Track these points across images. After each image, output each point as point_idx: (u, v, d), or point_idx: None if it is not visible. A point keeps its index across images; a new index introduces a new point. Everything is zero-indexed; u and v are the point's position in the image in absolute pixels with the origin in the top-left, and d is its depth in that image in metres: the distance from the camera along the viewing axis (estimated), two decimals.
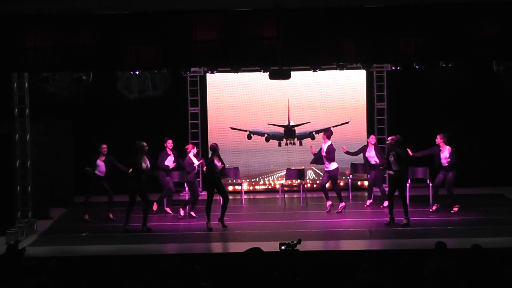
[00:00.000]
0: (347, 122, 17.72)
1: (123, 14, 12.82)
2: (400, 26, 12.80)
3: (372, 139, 15.79)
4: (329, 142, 15.16)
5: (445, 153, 14.85)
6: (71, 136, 17.02)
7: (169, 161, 15.25)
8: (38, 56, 12.79)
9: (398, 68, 16.36)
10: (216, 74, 16.79)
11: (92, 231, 14.18)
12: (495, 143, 17.72)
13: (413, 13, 12.76)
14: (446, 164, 14.77)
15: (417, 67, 14.90)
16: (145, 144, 14.04)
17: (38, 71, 13.59)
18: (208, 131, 17.84)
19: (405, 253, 11.50)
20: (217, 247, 13.12)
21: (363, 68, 16.84)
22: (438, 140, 14.95)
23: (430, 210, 15.01)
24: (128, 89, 17.94)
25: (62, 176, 16.53)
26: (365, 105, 17.88)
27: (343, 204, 15.11)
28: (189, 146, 14.96)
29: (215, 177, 14.05)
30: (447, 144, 14.89)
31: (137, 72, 15.00)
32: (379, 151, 15.67)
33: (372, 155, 15.67)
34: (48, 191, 15.63)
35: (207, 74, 17.43)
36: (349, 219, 14.58)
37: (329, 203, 15.21)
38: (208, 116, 17.96)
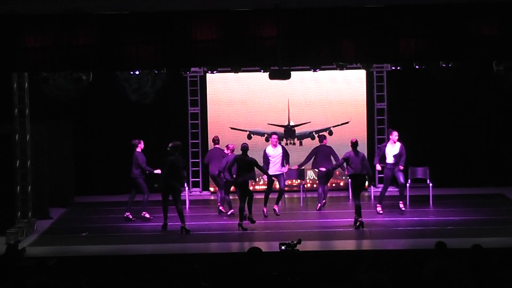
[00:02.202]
0: (347, 122, 17.72)
1: (123, 14, 12.81)
2: (400, 26, 12.79)
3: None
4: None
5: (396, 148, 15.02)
6: (71, 136, 17.01)
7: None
8: (38, 56, 12.77)
9: (398, 68, 16.37)
10: (216, 74, 16.81)
11: (92, 231, 14.18)
12: (495, 143, 17.72)
13: (413, 13, 12.75)
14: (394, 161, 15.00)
15: (417, 67, 14.91)
16: (179, 143, 14.20)
17: (38, 71, 13.58)
18: (208, 131, 17.84)
19: (405, 253, 11.52)
20: (217, 247, 13.11)
21: (363, 68, 16.83)
22: (395, 136, 15.01)
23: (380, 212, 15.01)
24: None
25: (62, 176, 16.53)
26: (365, 105, 17.88)
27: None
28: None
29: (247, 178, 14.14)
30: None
31: (137, 72, 15.04)
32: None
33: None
34: (48, 191, 15.63)
35: (207, 74, 17.43)
36: (349, 219, 14.56)
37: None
38: (208, 116, 17.97)
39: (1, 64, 12.93)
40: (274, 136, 15.27)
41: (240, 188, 14.06)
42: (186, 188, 16.30)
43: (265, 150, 15.16)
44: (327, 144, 15.96)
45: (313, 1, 12.68)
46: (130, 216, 14.87)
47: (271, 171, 14.87)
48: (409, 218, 14.63)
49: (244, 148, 14.17)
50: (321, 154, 15.80)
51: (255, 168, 14.11)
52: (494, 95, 17.57)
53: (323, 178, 15.63)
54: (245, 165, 13.99)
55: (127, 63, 13.02)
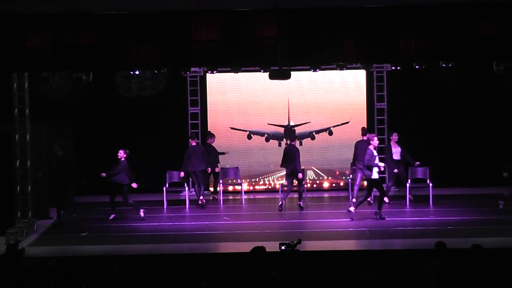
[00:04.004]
0: (347, 122, 17.72)
1: (123, 14, 12.81)
2: (400, 26, 12.80)
3: None
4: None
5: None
6: (71, 136, 17.00)
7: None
8: (38, 56, 12.77)
9: (398, 68, 16.37)
10: (216, 74, 16.81)
11: (92, 231, 14.18)
12: (495, 143, 17.70)
13: (413, 13, 12.75)
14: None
15: (417, 67, 14.91)
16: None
17: (38, 71, 13.59)
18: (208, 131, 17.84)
19: (405, 253, 11.51)
20: (217, 247, 13.10)
21: (363, 68, 16.85)
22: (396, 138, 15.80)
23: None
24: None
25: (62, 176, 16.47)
26: (365, 105, 17.88)
27: None
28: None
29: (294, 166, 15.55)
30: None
31: (137, 72, 15.07)
32: None
33: None
34: (48, 191, 15.61)
35: (207, 74, 17.44)
36: (349, 219, 14.56)
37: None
38: (208, 116, 17.96)
39: (1, 64, 12.93)
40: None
41: (293, 176, 15.51)
42: (186, 188, 16.32)
43: (371, 152, 14.52)
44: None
45: (313, 1, 12.68)
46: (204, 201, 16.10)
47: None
48: (409, 218, 14.64)
49: (294, 137, 15.89)
50: (361, 149, 15.89)
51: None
52: (494, 95, 17.56)
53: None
54: (291, 155, 15.46)
55: (127, 63, 13.01)
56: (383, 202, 14.67)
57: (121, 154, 15.05)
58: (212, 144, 16.92)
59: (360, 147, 15.92)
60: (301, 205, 15.57)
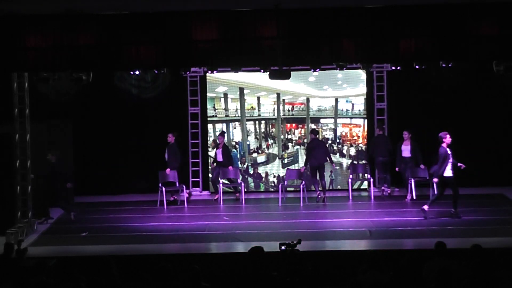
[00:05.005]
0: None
1: (123, 14, 12.81)
2: (400, 26, 12.80)
3: None
4: None
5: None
6: (71, 136, 17.00)
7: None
8: (38, 56, 12.78)
9: (398, 68, 16.36)
10: (216, 74, 16.80)
11: (92, 231, 14.18)
12: (495, 143, 17.70)
13: (413, 13, 12.75)
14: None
15: (417, 67, 14.90)
16: None
17: (38, 71, 13.59)
18: (208, 131, 17.84)
19: (405, 253, 11.51)
20: (217, 247, 13.11)
21: (363, 68, 16.83)
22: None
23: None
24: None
25: (62, 176, 16.46)
26: (365, 105, 17.87)
27: None
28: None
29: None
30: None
31: (137, 72, 15.07)
32: None
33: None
34: (48, 191, 15.61)
35: (207, 74, 17.44)
36: (349, 219, 14.57)
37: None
38: (208, 116, 17.95)
39: (1, 64, 12.93)
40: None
41: (319, 170, 16.09)
42: (184, 188, 16.32)
43: (445, 149, 14.20)
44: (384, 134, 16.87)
45: (313, 1, 12.68)
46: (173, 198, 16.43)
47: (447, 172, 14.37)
48: (409, 218, 14.63)
49: (316, 131, 16.13)
50: (379, 143, 16.57)
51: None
52: (494, 95, 17.56)
53: (380, 166, 16.69)
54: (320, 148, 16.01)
55: (127, 63, 13.01)
56: (457, 201, 14.38)
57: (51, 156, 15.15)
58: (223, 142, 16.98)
59: (378, 142, 16.31)
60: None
